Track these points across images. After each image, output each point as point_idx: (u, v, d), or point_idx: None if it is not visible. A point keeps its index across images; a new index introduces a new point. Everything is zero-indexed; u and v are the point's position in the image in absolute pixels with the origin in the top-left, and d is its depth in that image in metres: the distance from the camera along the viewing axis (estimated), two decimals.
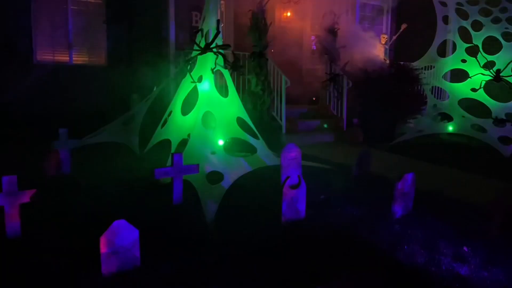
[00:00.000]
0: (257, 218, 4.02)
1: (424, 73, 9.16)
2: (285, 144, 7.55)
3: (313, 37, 9.65)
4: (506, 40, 8.98)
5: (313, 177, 5.40)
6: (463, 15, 9.34)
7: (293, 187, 3.93)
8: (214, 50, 5.78)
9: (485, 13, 9.14)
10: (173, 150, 5.37)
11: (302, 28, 10.00)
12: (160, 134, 6.16)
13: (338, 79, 8.57)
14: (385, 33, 10.10)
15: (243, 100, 7.80)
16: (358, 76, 8.72)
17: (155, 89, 7.18)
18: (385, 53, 10.72)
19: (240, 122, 6.02)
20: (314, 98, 9.82)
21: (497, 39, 9.05)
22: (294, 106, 9.14)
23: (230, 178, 4.77)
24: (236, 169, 5.03)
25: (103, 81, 8.37)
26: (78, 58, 8.46)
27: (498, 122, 8.13)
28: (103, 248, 2.82)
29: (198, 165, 4.34)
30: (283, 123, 7.64)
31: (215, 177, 4.69)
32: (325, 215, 4.11)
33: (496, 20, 9.04)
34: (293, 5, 9.83)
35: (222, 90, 6.15)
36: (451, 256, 3.36)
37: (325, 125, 8.64)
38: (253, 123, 7.46)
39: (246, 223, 3.89)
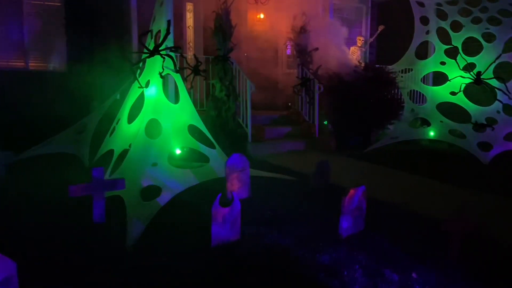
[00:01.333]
0: (188, 240, 3.57)
1: (401, 76, 8.74)
2: (250, 153, 7.21)
3: (288, 41, 9.23)
4: (487, 41, 8.58)
5: (266, 189, 4.96)
6: (442, 15, 8.96)
7: (227, 204, 3.49)
8: (163, 52, 5.37)
9: (465, 13, 8.76)
10: (113, 161, 4.92)
11: (277, 31, 9.58)
12: (107, 144, 5.73)
13: (310, 84, 8.15)
14: (362, 36, 9.69)
15: (207, 106, 7.42)
16: (331, 80, 8.31)
17: (118, 96, 6.79)
18: (363, 56, 10.34)
19: (193, 130, 5.59)
20: (289, 104, 9.40)
21: (477, 40, 8.66)
22: (265, 112, 8.73)
23: (169, 193, 4.33)
24: (179, 182, 4.58)
25: (62, 88, 7.93)
26: (35, 64, 8.03)
27: (478, 127, 7.71)
28: None
29: (123, 179, 3.89)
30: (249, 130, 7.21)
31: (153, 192, 4.25)
32: (265, 236, 3.66)
33: (476, 21, 8.65)
34: (266, 7, 9.45)
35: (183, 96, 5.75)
36: (396, 284, 2.92)
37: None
38: (217, 130, 7.06)
39: (173, 248, 3.44)
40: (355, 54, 9.46)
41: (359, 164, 6.94)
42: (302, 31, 8.34)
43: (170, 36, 5.56)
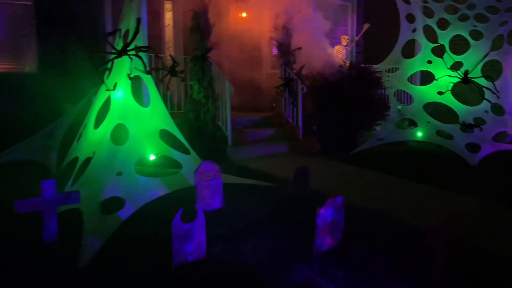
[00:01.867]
0: (149, 258, 3.25)
1: (388, 76, 8.49)
2: (230, 157, 6.89)
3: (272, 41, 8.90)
4: (474, 39, 8.36)
5: (241, 198, 4.65)
6: (429, 13, 8.73)
7: (191, 219, 3.17)
8: (131, 52, 5.05)
9: (452, 10, 8.53)
10: (75, 171, 4.57)
11: (260, 30, 9.27)
12: (73, 150, 5.38)
13: (293, 84, 7.86)
14: (347, 34, 9.41)
15: (185, 109, 7.09)
16: (315, 80, 8.03)
17: (93, 98, 6.45)
18: (350, 55, 10.08)
19: (165, 135, 5.27)
20: (274, 105, 9.09)
21: (465, 38, 8.44)
22: (248, 114, 8.42)
23: (134, 205, 4.00)
24: (146, 193, 4.26)
25: (34, 91, 7.54)
26: (4, 66, 7.63)
27: (466, 127, 7.48)
28: None
29: (78, 192, 3.55)
30: (229, 133, 6.89)
31: (115, 204, 3.92)
32: (234, 252, 3.35)
33: (463, 18, 8.43)
34: (249, 6, 9.13)
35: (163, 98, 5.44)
36: None
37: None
38: (195, 134, 6.74)
39: (130, 267, 3.12)
40: (340, 54, 9.18)
41: (343, 167, 6.66)
42: (284, 30, 8.03)
43: (141, 35, 5.26)
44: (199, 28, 6.93)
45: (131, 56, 4.89)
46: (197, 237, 3.14)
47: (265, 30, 8.47)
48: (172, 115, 7.18)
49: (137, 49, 5.10)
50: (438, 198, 5.06)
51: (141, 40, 5.26)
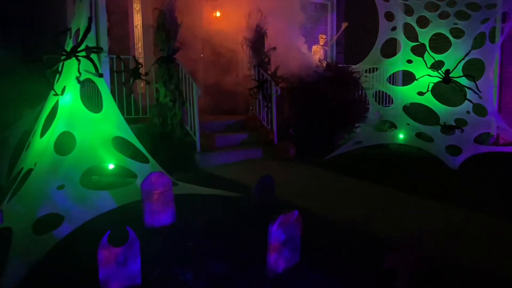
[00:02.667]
0: (80, 285, 2.87)
1: (366, 76, 8.17)
2: (198, 164, 6.51)
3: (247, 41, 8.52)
4: (455, 37, 8.08)
5: (198, 211, 4.28)
6: (408, 10, 8.44)
7: (121, 243, 2.79)
8: (81, 54, 4.66)
9: (432, 7, 8.24)
10: (15, 184, 4.16)
11: (236, 29, 8.91)
12: (21, 161, 4.96)
13: (267, 86, 7.50)
14: (325, 34, 9.09)
15: (150, 114, 6.71)
16: (291, 81, 7.68)
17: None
18: (330, 55, 9.77)
19: (120, 142, 4.88)
20: (251, 108, 8.72)
21: (445, 36, 8.15)
22: (221, 118, 8.06)
23: (73, 222, 3.61)
24: (89, 208, 3.87)
25: None
26: None
27: (447, 129, 7.17)
28: None
29: (1, 211, 3.15)
30: (197, 138, 6.51)
31: (52, 222, 3.53)
32: (176, 278, 2.97)
33: (444, 15, 8.14)
34: (223, 4, 8.77)
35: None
36: None
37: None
38: (161, 140, 6.36)
39: None
40: (318, 54, 8.85)
41: (317, 173, 6.32)
42: (257, 29, 7.68)
43: (93, 36, 4.87)
44: (164, 28, 6.55)
45: (79, 58, 4.50)
46: (129, 262, 2.76)
47: (240, 30, 8.11)
48: (139, 120, 6.86)
49: (88, 49, 4.71)
50: (414, 207, 4.73)
51: (93, 40, 4.87)
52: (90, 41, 4.76)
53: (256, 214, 4.20)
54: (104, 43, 6.25)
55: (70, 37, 4.89)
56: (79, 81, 4.61)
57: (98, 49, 4.82)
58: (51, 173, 3.96)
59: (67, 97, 4.53)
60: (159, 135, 6.28)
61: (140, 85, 7.43)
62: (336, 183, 5.81)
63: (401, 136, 7.72)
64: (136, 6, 8.24)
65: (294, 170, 6.48)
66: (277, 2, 8.07)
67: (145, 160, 5.05)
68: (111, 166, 5.52)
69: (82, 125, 4.43)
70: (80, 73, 4.55)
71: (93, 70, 4.73)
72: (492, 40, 8.11)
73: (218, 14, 8.97)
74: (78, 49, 4.68)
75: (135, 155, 5.18)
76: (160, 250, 3.35)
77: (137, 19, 8.26)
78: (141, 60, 7.70)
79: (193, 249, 3.40)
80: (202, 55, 9.05)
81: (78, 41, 4.70)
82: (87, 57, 4.68)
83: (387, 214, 4.46)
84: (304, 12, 9.73)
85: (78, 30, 4.82)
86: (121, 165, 4.71)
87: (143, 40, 8.29)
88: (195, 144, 6.57)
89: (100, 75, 4.84)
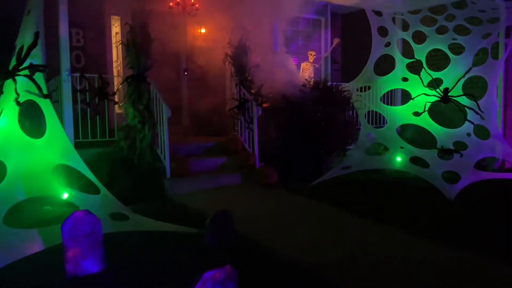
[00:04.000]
0: None
1: (358, 95, 7.60)
2: (167, 192, 5.95)
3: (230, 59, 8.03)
4: (455, 53, 7.48)
5: (137, 253, 3.70)
6: (403, 25, 7.89)
7: None
8: (23, 72, 4.22)
9: (429, 22, 7.68)
10: None
11: (221, 47, 8.46)
12: None
13: (249, 106, 6.98)
14: (314, 50, 8.57)
15: (117, 136, 6.22)
16: (275, 101, 7.15)
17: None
18: (325, 73, 9.24)
19: (64, 171, 4.37)
20: (237, 128, 8.19)
21: (444, 53, 7.55)
22: (198, 140, 7.56)
23: None
24: (9, 252, 3.33)
25: None
26: None
27: (445, 153, 6.51)
28: None
29: None
30: (167, 163, 5.97)
31: None
32: None
33: (442, 30, 7.56)
34: (207, 21, 8.33)
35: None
36: None
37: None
38: (123, 165, 5.84)
39: None
40: (307, 72, 8.33)
41: (297, 202, 5.72)
42: (240, 45, 7.20)
43: (38, 53, 4.43)
44: (135, 44, 6.10)
45: (15, 78, 4.04)
46: None
47: (225, 47, 7.65)
48: (107, 143, 6.36)
49: (32, 68, 4.26)
50: (400, 246, 4.09)
51: (38, 57, 4.42)
52: (35, 58, 4.33)
53: (205, 257, 3.60)
54: (66, 59, 5.83)
55: (14, 55, 4.46)
56: (18, 103, 4.15)
57: (43, 67, 4.36)
58: None
59: (2, 121, 4.06)
60: (123, 160, 5.77)
61: (115, 106, 6.98)
62: (316, 215, 5.19)
63: (398, 159, 7.07)
64: (115, 23, 7.85)
65: (272, 198, 5.89)
66: (263, 18, 7.61)
67: (97, 191, 4.53)
68: (65, 196, 5.00)
69: (17, 152, 3.95)
70: (18, 95, 4.09)
71: (37, 91, 4.27)
72: (495, 56, 7.48)
73: (203, 30, 8.52)
74: (20, 67, 4.24)
75: (89, 184, 4.67)
76: None
77: (116, 36, 7.86)
78: (119, 79, 7.27)
79: None
80: (186, 73, 8.59)
81: (21, 58, 4.26)
82: (29, 76, 4.22)
83: (368, 256, 3.83)
84: (295, 27, 9.31)
85: (22, 47, 4.38)
86: (61, 198, 4.19)
87: (122, 58, 7.86)
88: (165, 169, 6.03)
89: (46, 96, 4.38)
